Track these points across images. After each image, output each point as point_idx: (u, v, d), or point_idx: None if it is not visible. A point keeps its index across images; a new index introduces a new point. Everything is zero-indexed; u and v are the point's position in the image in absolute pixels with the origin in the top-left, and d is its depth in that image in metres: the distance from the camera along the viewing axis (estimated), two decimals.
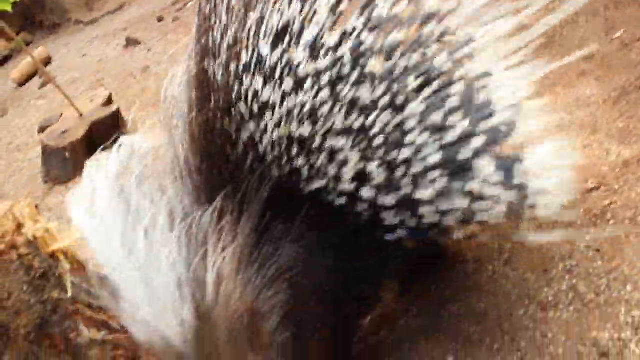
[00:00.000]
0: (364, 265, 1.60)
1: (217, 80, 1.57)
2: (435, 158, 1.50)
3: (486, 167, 1.50)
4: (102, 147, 1.59)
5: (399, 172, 1.52)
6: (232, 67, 1.57)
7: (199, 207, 1.44)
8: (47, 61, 6.86)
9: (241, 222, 1.45)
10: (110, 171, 1.49)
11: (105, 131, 4.02)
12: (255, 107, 1.55)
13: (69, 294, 1.86)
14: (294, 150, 1.55)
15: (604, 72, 2.69)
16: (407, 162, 1.51)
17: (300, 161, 1.56)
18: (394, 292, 2.03)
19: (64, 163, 4.03)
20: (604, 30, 2.96)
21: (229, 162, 1.58)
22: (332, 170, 1.55)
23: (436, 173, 1.51)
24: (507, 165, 1.53)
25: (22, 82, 6.65)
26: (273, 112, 1.53)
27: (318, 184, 1.57)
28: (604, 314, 1.71)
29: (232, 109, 1.57)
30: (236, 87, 1.56)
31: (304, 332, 1.56)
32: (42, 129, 4.51)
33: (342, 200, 1.58)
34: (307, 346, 1.59)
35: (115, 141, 1.55)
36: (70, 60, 6.81)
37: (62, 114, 4.45)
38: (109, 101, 4.42)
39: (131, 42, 6.11)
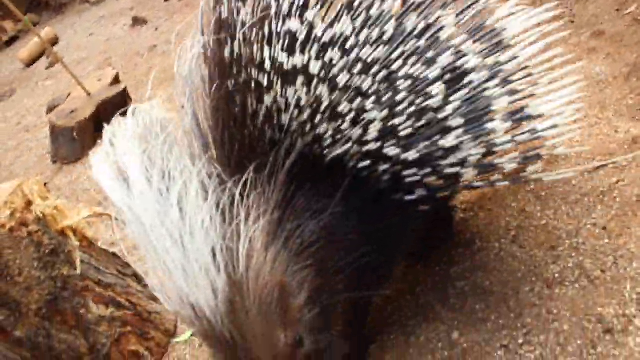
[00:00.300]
0: (384, 229, 1.62)
1: (235, 52, 1.55)
2: (455, 104, 1.53)
3: (502, 109, 1.55)
4: (119, 113, 1.56)
5: (423, 121, 1.54)
6: (252, 37, 1.56)
7: (228, 179, 1.43)
8: (55, 41, 6.86)
9: (268, 195, 1.45)
10: (133, 135, 1.45)
11: (113, 110, 3.97)
12: (278, 76, 1.54)
13: (78, 271, 1.88)
14: (318, 117, 1.55)
15: (615, 48, 2.66)
16: (431, 110, 1.54)
17: (324, 127, 1.56)
18: (401, 269, 2.05)
19: (72, 142, 4.06)
20: (615, 7, 2.92)
21: (250, 134, 1.57)
22: (356, 132, 1.55)
23: (456, 120, 1.54)
24: (517, 110, 1.58)
25: (30, 63, 6.67)
26: (296, 80, 1.53)
27: (342, 148, 1.57)
28: (609, 291, 1.71)
29: (252, 80, 1.56)
30: (256, 57, 1.56)
31: (327, 305, 1.56)
32: (50, 109, 4.53)
33: (365, 162, 1.59)
34: (329, 319, 1.60)
35: (126, 112, 1.53)
36: (77, 40, 6.80)
37: (69, 94, 4.47)
38: (116, 80, 4.43)
39: (138, 22, 6.10)
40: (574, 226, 1.95)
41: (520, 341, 1.70)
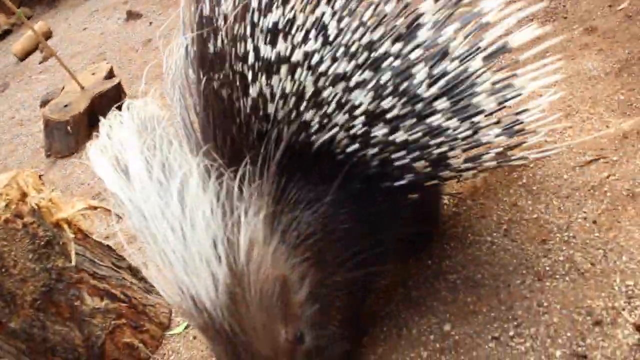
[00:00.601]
0: (375, 218, 1.62)
1: (218, 46, 1.56)
2: (439, 84, 1.54)
3: (486, 87, 1.56)
4: (115, 107, 1.57)
5: (409, 102, 1.55)
6: (235, 30, 1.56)
7: (225, 171, 1.43)
8: (48, 35, 6.82)
9: (263, 187, 1.45)
10: (132, 128, 1.46)
11: (107, 104, 4.02)
12: (261, 67, 1.54)
13: (73, 263, 1.89)
14: (303, 104, 1.55)
15: (607, 44, 2.68)
16: (416, 91, 1.54)
17: (309, 114, 1.56)
18: (393, 263, 2.06)
19: (67, 136, 4.06)
20: (608, 3, 2.94)
21: (239, 127, 1.57)
22: (342, 117, 1.55)
23: (443, 102, 1.54)
24: (502, 87, 1.59)
25: (24, 57, 6.64)
26: (280, 69, 1.53)
27: (329, 134, 1.57)
28: (599, 284, 1.73)
29: (237, 73, 1.56)
30: (240, 50, 1.56)
31: (327, 300, 1.56)
32: (44, 103, 4.51)
33: (353, 147, 1.59)
34: (329, 314, 1.60)
35: (121, 106, 1.54)
36: (71, 34, 6.77)
37: (63, 88, 4.45)
38: (110, 74, 4.42)
39: (132, 16, 6.08)
40: (565, 220, 1.97)
41: (511, 333, 1.72)
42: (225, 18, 1.56)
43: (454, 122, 1.56)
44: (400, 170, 1.62)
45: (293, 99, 1.55)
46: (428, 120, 1.55)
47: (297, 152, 1.57)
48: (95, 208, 2.08)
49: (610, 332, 1.61)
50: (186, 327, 2.24)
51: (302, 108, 1.55)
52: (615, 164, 2.07)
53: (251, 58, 1.54)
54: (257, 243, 1.40)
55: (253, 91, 1.56)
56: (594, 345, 1.60)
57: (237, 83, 1.56)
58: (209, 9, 1.59)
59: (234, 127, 1.57)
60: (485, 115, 1.59)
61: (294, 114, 1.56)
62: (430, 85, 1.54)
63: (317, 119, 1.56)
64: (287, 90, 1.54)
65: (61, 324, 1.93)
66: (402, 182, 1.64)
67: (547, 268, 1.84)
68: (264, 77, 1.54)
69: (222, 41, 1.55)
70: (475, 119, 1.58)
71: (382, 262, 1.78)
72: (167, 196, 1.34)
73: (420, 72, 1.53)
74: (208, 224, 1.33)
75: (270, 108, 1.56)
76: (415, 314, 1.91)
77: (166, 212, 1.33)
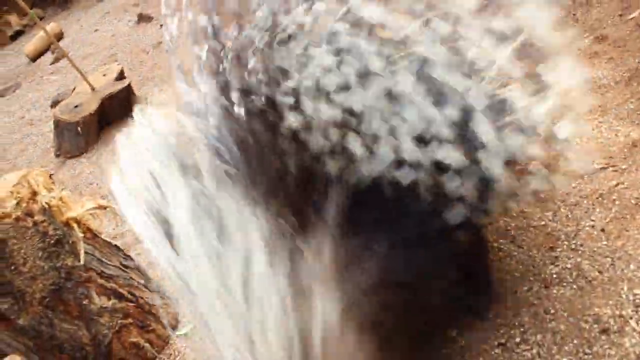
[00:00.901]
0: (435, 271, 1.40)
1: (248, 80, 1.39)
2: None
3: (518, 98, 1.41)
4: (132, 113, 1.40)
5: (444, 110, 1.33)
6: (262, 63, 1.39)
7: (290, 233, 1.16)
8: (60, 36, 6.87)
9: (326, 253, 1.19)
10: (171, 162, 1.17)
11: (117, 106, 4.06)
12: (295, 96, 1.32)
13: (82, 262, 1.90)
14: (345, 131, 1.30)
15: (617, 53, 2.67)
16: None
17: (352, 139, 1.31)
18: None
19: (76, 137, 4.09)
20: (619, 11, 2.93)
21: (281, 170, 1.34)
22: (390, 137, 1.29)
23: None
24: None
25: (35, 57, 6.69)
26: (315, 96, 1.31)
27: (378, 160, 1.30)
28: (606, 292, 1.73)
29: (269, 108, 1.36)
30: (270, 82, 1.37)
31: None
32: (54, 104, 4.55)
33: (404, 172, 1.31)
34: None
35: (131, 116, 1.40)
36: (82, 36, 6.81)
37: (74, 88, 4.49)
38: (121, 76, 4.45)
39: (143, 18, 6.12)
40: (573, 228, 1.96)
41: (517, 340, 1.72)
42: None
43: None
44: (451, 201, 1.38)
45: (332, 128, 1.31)
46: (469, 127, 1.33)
47: (347, 195, 1.29)
48: (104, 208, 2.10)
49: (617, 340, 1.61)
50: (192, 328, 2.25)
51: (345, 136, 1.31)
52: (624, 173, 2.06)
53: (283, 88, 1.35)
54: (333, 337, 1.13)
55: (287, 126, 1.35)
56: (601, 353, 1.60)
57: (271, 118, 1.36)
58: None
59: (280, 173, 1.34)
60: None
61: (335, 145, 1.32)
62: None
63: (362, 146, 1.30)
64: (326, 119, 1.31)
65: (69, 322, 1.94)
66: (454, 216, 1.39)
67: (554, 275, 1.84)
68: (297, 109, 1.33)
69: (251, 74, 1.39)
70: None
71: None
72: (225, 272, 1.05)
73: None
74: (280, 321, 1.05)
75: (313, 141, 1.32)
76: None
77: (225, 298, 1.04)
